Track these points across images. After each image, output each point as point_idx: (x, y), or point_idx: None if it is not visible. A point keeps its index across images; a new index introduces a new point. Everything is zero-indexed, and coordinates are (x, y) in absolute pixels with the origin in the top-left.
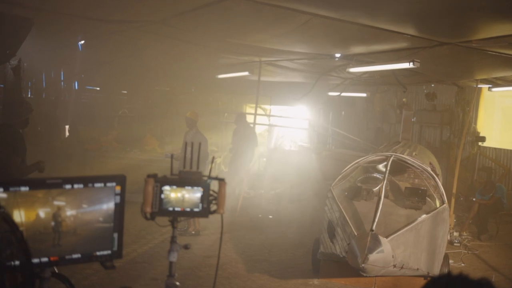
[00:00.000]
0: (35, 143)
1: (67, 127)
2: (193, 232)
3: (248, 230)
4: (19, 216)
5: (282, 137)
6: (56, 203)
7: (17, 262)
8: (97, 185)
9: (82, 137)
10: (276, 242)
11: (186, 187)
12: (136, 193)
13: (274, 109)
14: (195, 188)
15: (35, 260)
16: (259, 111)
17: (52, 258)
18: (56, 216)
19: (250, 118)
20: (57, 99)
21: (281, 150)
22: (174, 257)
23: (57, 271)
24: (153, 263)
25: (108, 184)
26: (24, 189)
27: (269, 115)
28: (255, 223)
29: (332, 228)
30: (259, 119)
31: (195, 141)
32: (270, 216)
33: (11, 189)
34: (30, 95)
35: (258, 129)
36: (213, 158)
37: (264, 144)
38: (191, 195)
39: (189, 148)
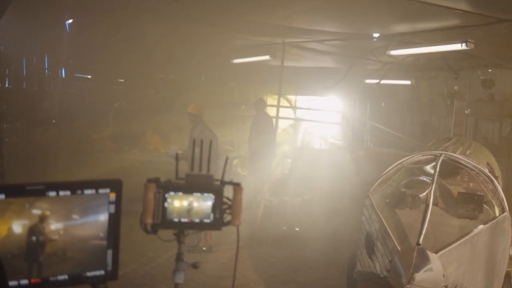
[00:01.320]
0: (15, 141)
1: (53, 122)
2: (204, 248)
3: (270, 245)
4: None
5: (310, 133)
6: (37, 214)
7: None
8: (88, 191)
9: (71, 135)
10: (304, 260)
11: (195, 194)
12: (135, 201)
13: (301, 100)
14: (205, 194)
15: (13, 283)
16: (283, 102)
17: (33, 281)
18: (37, 229)
19: (272, 111)
20: (41, 89)
21: (309, 149)
22: (180, 278)
23: None
24: (155, 285)
25: (101, 191)
26: None
27: (294, 107)
28: (279, 237)
29: (370, 242)
30: (282, 112)
31: (203, 139)
32: (297, 229)
33: None
34: (8, 84)
35: (282, 124)
36: (227, 158)
37: (289, 142)
38: (201, 203)
39: (197, 147)
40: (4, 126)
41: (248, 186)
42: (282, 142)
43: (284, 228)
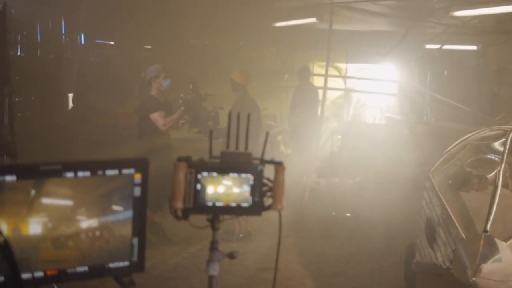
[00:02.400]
0: (28, 117)
1: (70, 95)
2: (241, 235)
3: (318, 233)
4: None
5: (362, 106)
6: (52, 197)
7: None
8: (110, 172)
9: (92, 109)
10: (357, 250)
11: (231, 174)
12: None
13: (352, 68)
14: (243, 175)
15: (26, 275)
16: (332, 71)
17: (49, 273)
18: (52, 216)
19: (319, 81)
20: (57, 57)
21: (361, 123)
22: (215, 270)
23: None
24: (189, 278)
25: (125, 171)
26: (10, 178)
27: (345, 77)
28: (328, 223)
29: (431, 229)
30: (331, 82)
31: (237, 110)
32: (348, 214)
33: None
34: (20, 52)
35: (331, 96)
36: (267, 133)
37: (338, 116)
38: (238, 185)
39: (234, 120)
40: (17, 99)
41: (292, 166)
42: (330, 116)
43: (333, 213)
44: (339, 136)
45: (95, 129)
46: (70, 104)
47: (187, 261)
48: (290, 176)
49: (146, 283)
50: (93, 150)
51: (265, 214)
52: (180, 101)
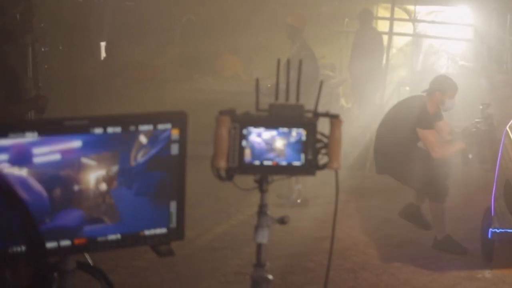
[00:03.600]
0: (56, 69)
1: (103, 44)
2: (298, 201)
3: (383, 197)
4: None
5: (434, 53)
6: (79, 157)
7: (21, 248)
8: (143, 127)
9: (126, 60)
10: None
11: (280, 129)
12: (209, 143)
13: (421, 11)
14: (294, 130)
15: (51, 245)
16: (399, 14)
17: (76, 241)
18: (80, 177)
19: (384, 26)
20: (88, 1)
21: (433, 73)
22: (263, 237)
23: (90, 261)
24: (238, 249)
25: (160, 127)
26: (30, 135)
27: (414, 20)
28: (395, 186)
29: (511, 191)
30: (398, 26)
31: (297, 59)
32: None
33: (12, 135)
34: None
35: (397, 42)
36: (321, 82)
37: (406, 66)
38: (288, 141)
39: (293, 69)
40: (42, 49)
41: (354, 121)
42: (397, 66)
43: None
44: (407, 88)
45: (130, 81)
46: (103, 55)
47: (236, 230)
48: (351, 133)
49: (190, 254)
50: (129, 104)
51: (323, 176)
52: (471, 131)
